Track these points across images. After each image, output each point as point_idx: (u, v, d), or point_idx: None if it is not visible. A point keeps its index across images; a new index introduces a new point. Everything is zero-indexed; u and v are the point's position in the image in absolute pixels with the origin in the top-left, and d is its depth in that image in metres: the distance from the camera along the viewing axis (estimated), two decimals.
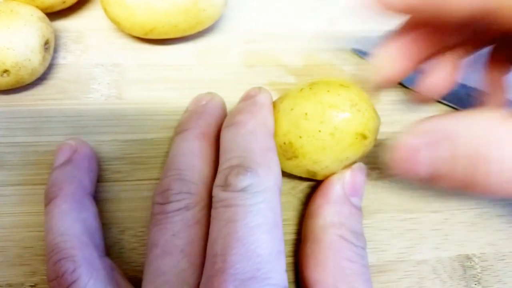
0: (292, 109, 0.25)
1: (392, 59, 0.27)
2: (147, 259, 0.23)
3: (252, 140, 0.24)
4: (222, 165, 0.24)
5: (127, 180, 0.29)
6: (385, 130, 0.32)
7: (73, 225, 0.23)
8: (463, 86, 0.33)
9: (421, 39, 0.26)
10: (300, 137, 0.25)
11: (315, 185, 0.28)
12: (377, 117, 0.25)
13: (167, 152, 0.29)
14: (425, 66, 0.28)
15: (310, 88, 0.25)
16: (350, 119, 0.24)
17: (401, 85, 0.33)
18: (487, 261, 0.29)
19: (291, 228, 0.28)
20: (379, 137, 0.31)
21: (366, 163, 0.30)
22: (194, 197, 0.24)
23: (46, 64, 0.30)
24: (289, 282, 0.22)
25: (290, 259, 0.27)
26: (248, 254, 0.20)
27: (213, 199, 0.23)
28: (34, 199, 0.27)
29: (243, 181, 0.22)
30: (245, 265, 0.20)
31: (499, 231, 0.30)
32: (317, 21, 0.36)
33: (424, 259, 0.29)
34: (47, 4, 0.31)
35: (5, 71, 0.28)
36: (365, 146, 0.25)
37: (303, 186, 0.29)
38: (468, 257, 0.29)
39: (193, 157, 0.25)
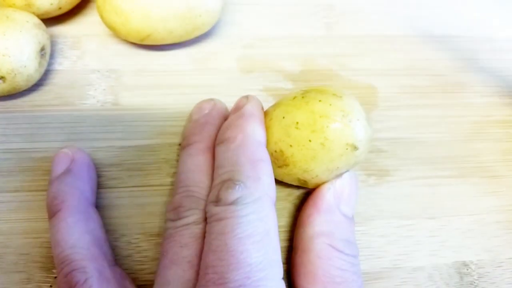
0: (283, 117, 0.25)
1: None
2: (157, 270, 0.24)
3: (240, 154, 0.24)
4: (215, 181, 0.24)
5: (123, 187, 0.29)
6: (383, 136, 0.32)
7: (82, 237, 0.24)
8: None
9: None
10: (291, 145, 0.25)
11: (311, 191, 0.28)
12: (370, 128, 0.25)
13: (164, 158, 0.29)
14: None
15: (303, 97, 0.25)
16: (340, 129, 0.24)
17: None
18: (484, 268, 0.29)
19: (287, 235, 0.28)
20: (377, 143, 0.32)
21: (362, 169, 0.30)
22: (202, 212, 0.24)
23: (42, 70, 0.30)
24: None
25: (284, 267, 0.27)
26: (238, 265, 0.21)
27: (207, 215, 0.23)
28: (30, 205, 0.27)
29: (232, 194, 0.22)
30: (234, 274, 0.20)
31: (496, 237, 0.30)
32: (314, 26, 0.36)
33: (420, 266, 0.28)
34: (43, 10, 0.31)
35: (1, 77, 0.28)
36: (356, 157, 0.25)
37: (300, 192, 0.29)
38: (465, 264, 0.29)
39: (199, 173, 0.26)
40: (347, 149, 0.24)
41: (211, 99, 0.29)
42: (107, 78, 0.32)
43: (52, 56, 0.32)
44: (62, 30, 0.33)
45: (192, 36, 0.32)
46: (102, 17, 0.31)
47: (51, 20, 0.33)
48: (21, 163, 0.29)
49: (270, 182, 0.24)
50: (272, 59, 0.34)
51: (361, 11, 0.37)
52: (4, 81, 0.28)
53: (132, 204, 0.28)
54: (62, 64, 0.32)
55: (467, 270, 0.29)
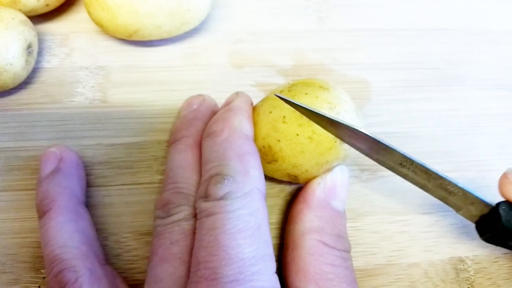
0: (270, 112, 0.25)
1: None
2: (147, 268, 0.23)
3: (227, 148, 0.24)
4: (203, 177, 0.24)
5: (112, 185, 0.28)
6: (376, 130, 0.31)
7: (72, 236, 0.24)
8: None
9: None
10: (279, 140, 0.24)
11: (302, 187, 0.28)
12: (359, 120, 0.25)
13: (153, 156, 0.29)
14: None
15: (289, 90, 0.25)
16: None
17: None
18: (480, 263, 0.28)
19: (278, 232, 0.28)
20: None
21: (355, 164, 0.30)
22: (192, 208, 0.24)
23: (30, 68, 0.30)
24: None
25: (276, 264, 0.26)
26: (230, 260, 0.20)
27: (197, 211, 0.23)
28: (18, 205, 0.27)
29: (221, 189, 0.22)
30: (227, 269, 0.20)
31: None
32: (306, 20, 0.35)
33: (415, 262, 0.28)
34: (30, 7, 0.30)
35: None
36: (345, 150, 0.24)
37: (292, 188, 0.29)
38: (460, 260, 0.28)
39: (188, 169, 0.25)
40: (335, 142, 0.24)
41: (200, 95, 0.29)
42: (96, 75, 0.31)
43: (40, 54, 0.31)
44: (49, 27, 0.33)
45: (181, 31, 0.31)
46: (89, 13, 0.30)
47: (38, 18, 0.32)
48: (9, 162, 0.28)
49: (259, 175, 0.23)
50: (263, 54, 0.33)
51: (354, 5, 0.36)
52: None
53: (121, 203, 0.28)
54: (50, 62, 0.32)
55: (463, 266, 0.28)
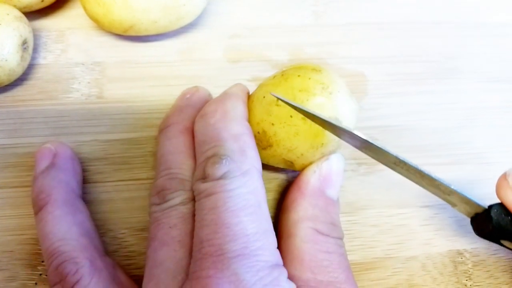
0: (264, 97, 0.25)
1: None
2: (146, 254, 0.23)
3: (222, 128, 0.24)
4: (199, 159, 0.24)
5: (109, 181, 0.28)
6: (374, 124, 0.31)
7: (70, 229, 0.23)
8: None
9: None
10: (273, 124, 0.24)
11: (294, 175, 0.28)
12: (353, 101, 0.24)
13: (150, 151, 0.29)
14: None
15: (282, 75, 0.25)
16: (321, 102, 0.23)
17: None
18: (478, 256, 0.28)
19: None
20: (368, 131, 0.31)
21: (352, 158, 0.30)
22: (188, 193, 0.24)
23: (25, 64, 0.30)
24: None
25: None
26: (234, 236, 0.21)
27: (195, 193, 0.23)
28: (14, 202, 0.27)
29: (220, 169, 0.22)
30: (232, 245, 0.20)
31: None
32: (302, 15, 0.35)
33: (413, 255, 0.28)
34: (25, 3, 0.30)
35: None
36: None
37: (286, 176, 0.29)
38: (459, 253, 0.28)
39: (180, 154, 0.25)
40: None
41: (195, 86, 0.29)
42: (92, 71, 0.31)
43: (35, 50, 0.31)
44: (45, 23, 0.33)
45: (177, 26, 0.31)
46: (85, 8, 0.30)
47: (33, 14, 0.32)
48: (5, 159, 0.28)
49: (254, 155, 0.24)
50: (260, 48, 0.33)
51: None
52: None
53: (118, 199, 0.28)
54: (45, 58, 0.31)
55: (461, 258, 0.28)
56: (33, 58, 0.31)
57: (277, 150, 0.25)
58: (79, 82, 0.31)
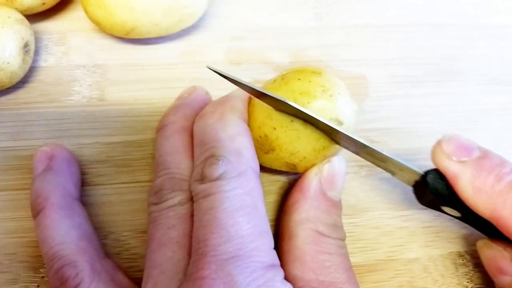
0: None
1: None
2: (146, 255, 0.23)
3: (219, 129, 0.24)
4: (197, 160, 0.24)
5: (110, 184, 0.28)
6: (374, 126, 0.31)
7: (69, 232, 0.24)
8: None
9: None
10: (275, 128, 0.24)
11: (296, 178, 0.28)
12: (354, 103, 0.25)
13: (151, 154, 0.29)
14: None
15: (282, 78, 0.25)
16: (322, 105, 0.23)
17: None
18: (479, 258, 0.28)
19: (271, 225, 0.28)
20: (369, 133, 0.31)
21: (354, 160, 0.30)
22: (186, 193, 0.24)
23: (27, 67, 0.30)
24: None
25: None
26: (229, 237, 0.21)
27: (193, 194, 0.23)
28: (15, 204, 0.27)
29: (217, 170, 0.22)
30: (227, 246, 0.21)
31: None
32: (303, 17, 0.35)
33: (415, 257, 0.28)
34: (26, 6, 0.30)
35: None
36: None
37: (283, 181, 0.29)
38: (460, 255, 0.28)
39: (178, 154, 0.25)
40: None
41: (193, 86, 0.29)
42: (93, 74, 0.31)
43: (37, 52, 0.31)
44: (46, 26, 0.33)
45: (179, 28, 0.31)
46: (86, 11, 0.30)
47: (35, 16, 0.32)
48: (6, 161, 0.28)
49: (251, 155, 0.24)
50: (261, 51, 0.33)
51: (351, 1, 0.36)
52: None
53: (119, 201, 0.28)
54: (47, 61, 0.31)
55: (463, 260, 0.28)
56: (34, 60, 0.31)
57: (280, 154, 0.25)
58: (81, 85, 0.31)
